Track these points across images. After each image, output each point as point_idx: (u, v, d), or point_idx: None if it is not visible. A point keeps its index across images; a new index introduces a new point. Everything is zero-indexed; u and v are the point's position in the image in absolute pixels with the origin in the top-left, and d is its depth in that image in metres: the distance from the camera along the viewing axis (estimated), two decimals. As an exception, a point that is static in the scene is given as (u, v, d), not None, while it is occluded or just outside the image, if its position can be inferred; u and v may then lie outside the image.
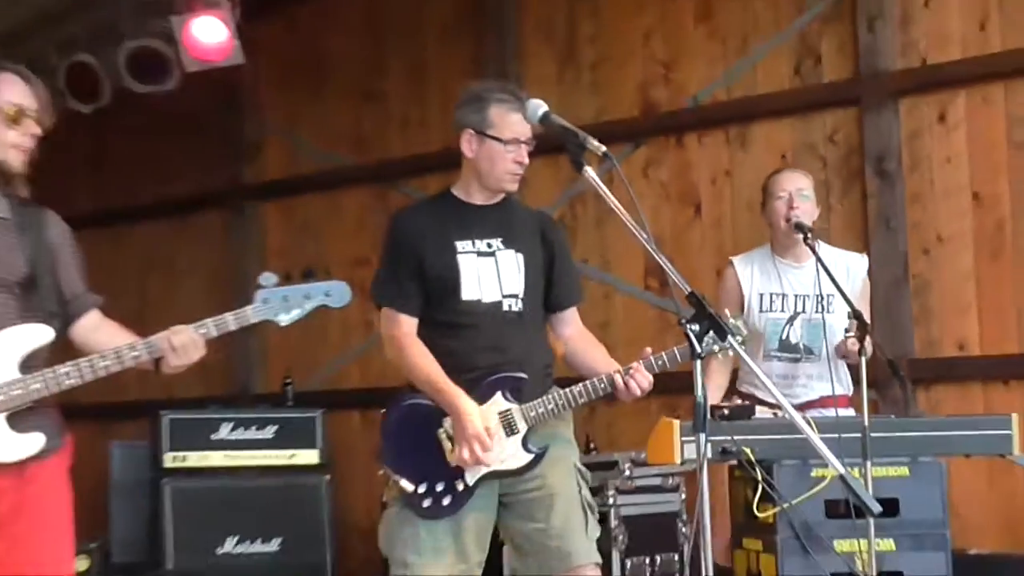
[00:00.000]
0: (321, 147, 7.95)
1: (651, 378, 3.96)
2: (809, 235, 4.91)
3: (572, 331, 4.24)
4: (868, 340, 4.47)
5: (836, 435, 4.32)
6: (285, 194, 8.13)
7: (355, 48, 7.87)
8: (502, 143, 4.00)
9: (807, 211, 5.10)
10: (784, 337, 5.12)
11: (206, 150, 8.41)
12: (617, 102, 6.90)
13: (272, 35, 8.14)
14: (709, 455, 4.50)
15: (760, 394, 4.95)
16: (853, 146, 6.18)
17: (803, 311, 5.11)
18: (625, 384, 3.93)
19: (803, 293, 5.11)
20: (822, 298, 5.02)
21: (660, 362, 3.96)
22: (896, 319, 5.90)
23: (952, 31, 5.98)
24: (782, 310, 5.12)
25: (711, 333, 2.99)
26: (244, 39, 6.97)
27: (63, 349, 3.66)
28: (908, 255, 6.00)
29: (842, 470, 2.79)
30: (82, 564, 6.14)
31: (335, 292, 3.63)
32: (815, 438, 2.86)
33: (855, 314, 4.50)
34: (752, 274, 5.21)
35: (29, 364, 3.49)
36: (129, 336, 3.66)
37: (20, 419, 3.47)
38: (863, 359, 4.39)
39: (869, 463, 4.27)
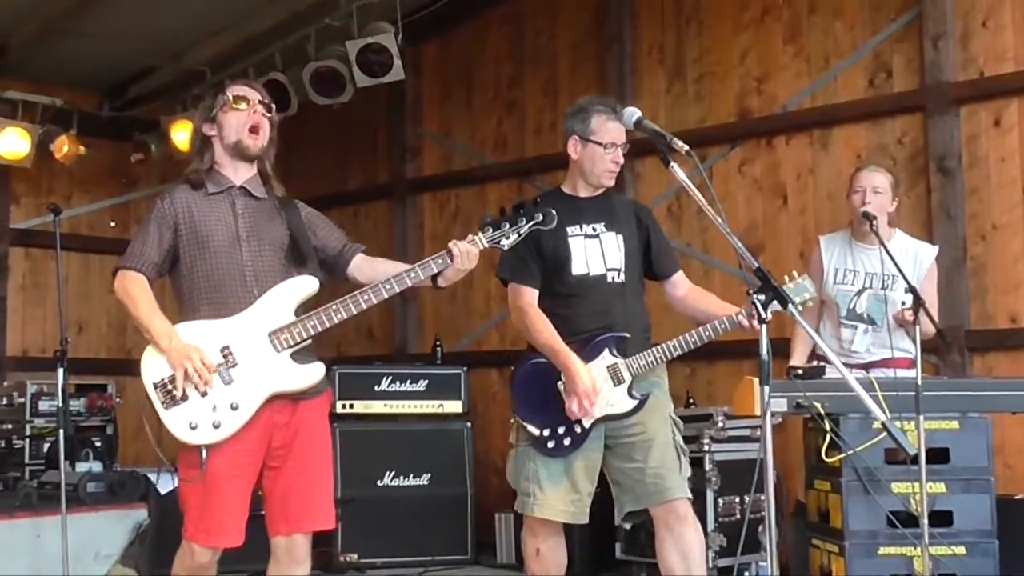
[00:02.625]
0: (469, 148, 8.06)
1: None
2: (874, 223, 4.89)
3: (685, 290, 4.27)
4: (922, 313, 4.44)
5: (895, 392, 4.34)
6: (440, 187, 8.21)
7: (499, 66, 7.93)
8: (601, 146, 4.08)
9: (880, 205, 5.08)
10: (851, 307, 5.11)
11: (374, 151, 8.59)
12: (717, 110, 6.87)
13: (430, 56, 8.30)
14: (784, 408, 4.62)
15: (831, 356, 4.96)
16: (919, 147, 6.07)
17: (870, 287, 5.10)
18: (750, 320, 3.84)
19: (872, 272, 5.09)
20: (886, 277, 5.02)
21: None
22: (956, 296, 5.79)
23: (1007, 47, 5.85)
24: (852, 284, 5.12)
25: (775, 302, 3.03)
26: (406, 59, 7.12)
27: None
28: (967, 240, 5.89)
29: (883, 418, 2.80)
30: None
31: (548, 217, 3.65)
32: (861, 391, 2.86)
33: (911, 289, 4.48)
34: (832, 252, 5.23)
35: (301, 310, 3.57)
36: (396, 264, 3.71)
37: (301, 355, 3.54)
38: (917, 328, 4.37)
39: (921, 417, 4.23)
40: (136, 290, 3.58)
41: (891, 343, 4.95)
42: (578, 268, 4.09)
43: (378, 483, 6.78)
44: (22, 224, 8.19)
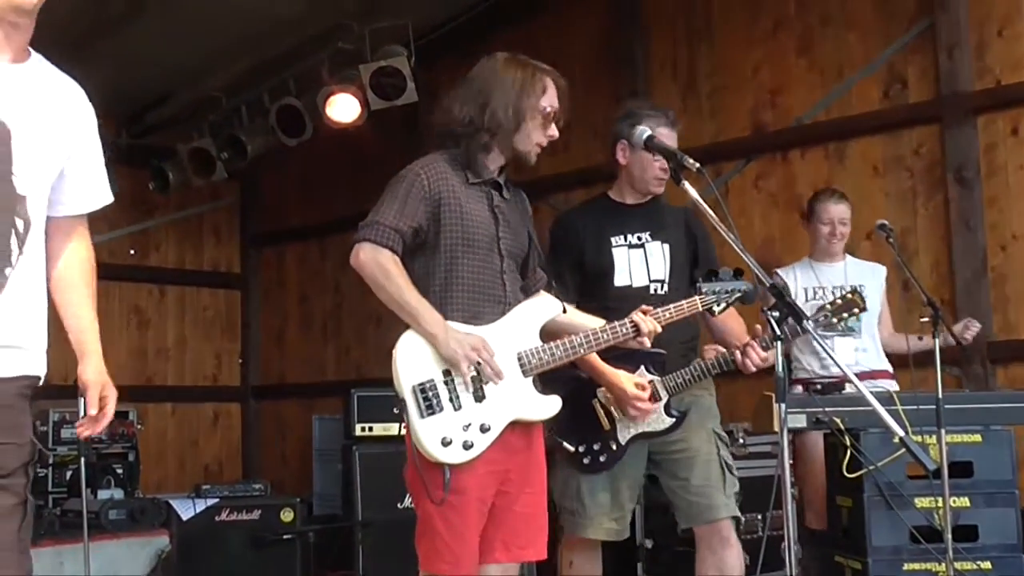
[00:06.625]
0: (484, 169, 8.03)
1: (763, 354, 3.77)
2: (890, 236, 4.88)
3: None
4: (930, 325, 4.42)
5: (915, 407, 4.30)
6: (455, 208, 8.21)
7: (512, 86, 7.93)
8: (651, 152, 3.86)
9: (846, 235, 5.29)
10: None
11: (389, 173, 8.52)
12: (731, 125, 6.83)
13: (443, 78, 8.29)
14: (803, 424, 4.58)
15: (803, 376, 5.18)
16: (936, 158, 6.02)
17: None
18: (742, 360, 3.81)
19: (837, 284, 5.17)
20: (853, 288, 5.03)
21: (762, 343, 3.78)
22: (977, 307, 5.73)
23: (1023, 56, 5.80)
24: (823, 298, 5.12)
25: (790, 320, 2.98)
26: (419, 82, 7.12)
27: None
28: (987, 251, 5.83)
29: (900, 432, 2.73)
30: (287, 516, 6.26)
31: (749, 292, 3.51)
32: (878, 406, 2.79)
33: (929, 302, 4.44)
34: (795, 276, 5.32)
35: (543, 333, 3.25)
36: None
37: (541, 382, 3.23)
38: (936, 340, 4.33)
39: (943, 431, 4.20)
40: (395, 269, 3.14)
41: (876, 352, 5.03)
42: (620, 280, 4.00)
43: (398, 506, 6.65)
44: (43, 253, 8.22)
